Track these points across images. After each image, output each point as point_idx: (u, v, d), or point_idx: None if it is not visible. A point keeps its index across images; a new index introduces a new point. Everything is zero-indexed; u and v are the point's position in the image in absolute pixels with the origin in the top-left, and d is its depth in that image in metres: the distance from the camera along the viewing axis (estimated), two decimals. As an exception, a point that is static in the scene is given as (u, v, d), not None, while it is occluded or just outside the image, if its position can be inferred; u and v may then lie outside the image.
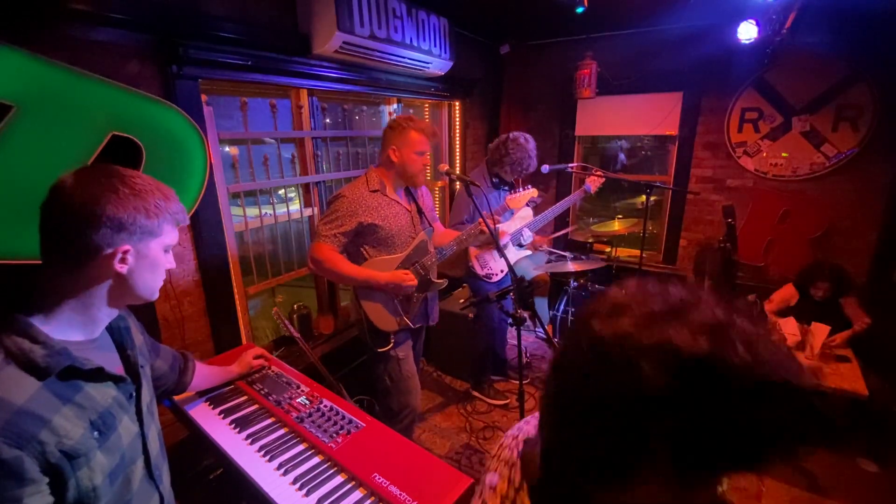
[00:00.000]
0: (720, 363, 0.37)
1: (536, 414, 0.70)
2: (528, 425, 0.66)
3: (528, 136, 2.70)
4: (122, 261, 0.79)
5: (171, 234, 0.86)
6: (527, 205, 2.50)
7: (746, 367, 0.37)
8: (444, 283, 2.06)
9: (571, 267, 2.92)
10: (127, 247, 0.78)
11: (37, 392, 0.71)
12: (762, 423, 0.37)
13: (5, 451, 0.65)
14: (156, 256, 0.84)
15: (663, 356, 0.38)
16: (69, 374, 0.76)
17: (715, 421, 0.37)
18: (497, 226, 2.12)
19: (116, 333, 0.92)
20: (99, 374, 0.81)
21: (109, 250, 0.77)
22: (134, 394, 0.90)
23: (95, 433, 0.77)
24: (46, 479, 0.70)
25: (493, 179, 2.76)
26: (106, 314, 0.85)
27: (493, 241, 1.89)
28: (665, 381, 0.37)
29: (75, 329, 0.81)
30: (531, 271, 3.11)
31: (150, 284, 0.86)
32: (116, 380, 0.85)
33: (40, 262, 0.79)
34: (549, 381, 0.50)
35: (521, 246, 2.91)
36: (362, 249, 1.91)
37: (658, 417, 0.38)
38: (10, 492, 0.66)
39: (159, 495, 0.97)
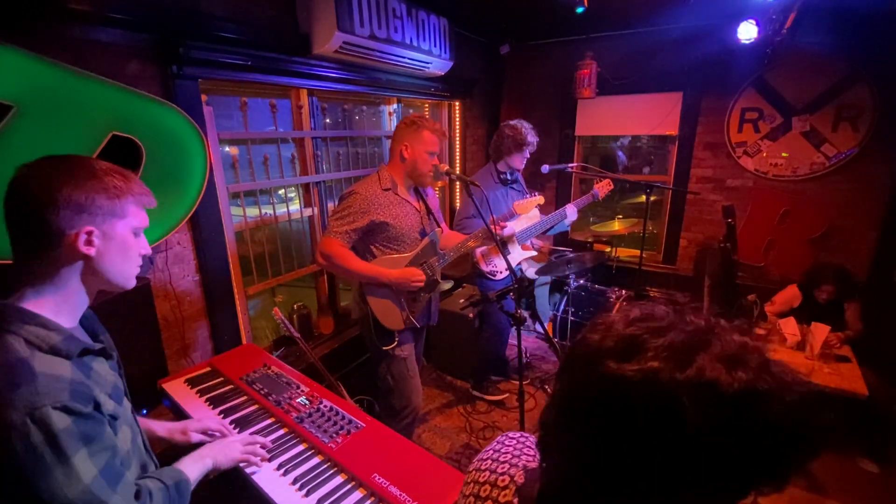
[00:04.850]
0: (756, 392, 0.38)
1: (516, 439, 0.68)
2: (512, 455, 0.65)
3: (519, 119, 2.70)
4: (88, 242, 0.80)
5: (138, 216, 0.87)
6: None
7: (774, 390, 0.38)
8: (449, 283, 2.07)
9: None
10: (90, 227, 0.79)
11: (72, 369, 0.77)
12: (792, 436, 0.39)
13: (86, 407, 0.75)
14: (124, 238, 0.85)
15: (702, 393, 0.37)
16: (82, 353, 0.81)
17: (754, 445, 0.38)
18: (503, 231, 2.13)
19: (86, 322, 0.94)
20: (103, 352, 0.87)
21: (72, 232, 0.78)
22: (122, 373, 0.96)
23: (116, 403, 0.85)
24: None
25: (501, 175, 2.75)
26: (82, 300, 0.86)
27: (496, 244, 1.90)
28: (706, 416, 0.37)
29: (61, 316, 0.82)
30: (533, 273, 3.11)
31: (123, 269, 0.87)
32: (109, 357, 0.91)
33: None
34: (555, 425, 0.47)
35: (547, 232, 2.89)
36: (371, 247, 1.92)
37: (699, 452, 0.38)
38: (106, 432, 0.78)
39: (154, 466, 1.03)
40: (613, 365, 0.41)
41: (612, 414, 0.41)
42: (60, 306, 0.82)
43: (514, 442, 0.68)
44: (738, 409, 0.37)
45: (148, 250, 0.91)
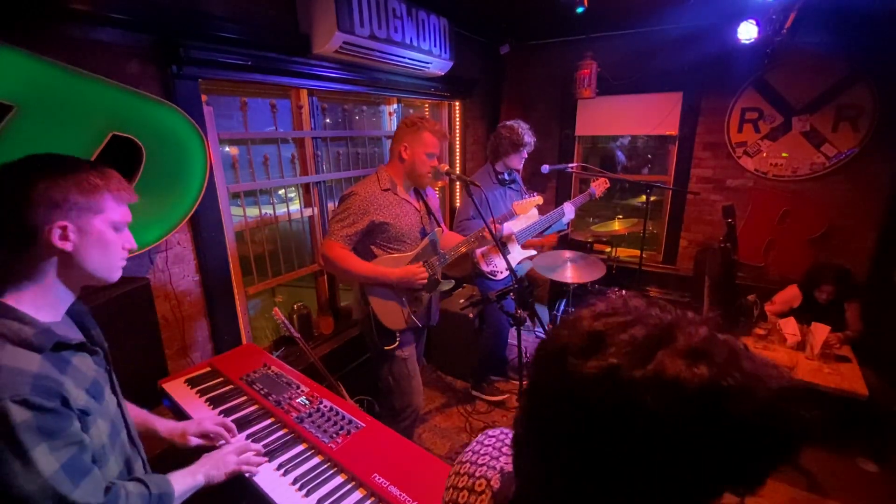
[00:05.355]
0: (720, 388, 0.36)
1: (496, 437, 0.67)
2: (491, 457, 0.64)
3: (516, 120, 2.70)
4: (63, 237, 0.80)
5: (117, 211, 0.87)
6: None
7: (743, 386, 0.37)
8: (450, 283, 2.06)
9: (570, 271, 2.92)
10: (64, 223, 0.80)
11: (41, 362, 0.77)
12: (764, 435, 0.37)
13: (49, 402, 0.74)
14: (102, 233, 0.85)
15: (662, 389, 0.36)
16: (57, 348, 0.81)
17: (721, 444, 0.36)
18: (501, 230, 2.12)
19: (77, 316, 0.95)
20: (83, 347, 0.87)
21: (47, 227, 0.79)
22: (109, 368, 0.96)
23: (91, 399, 0.84)
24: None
25: (499, 175, 2.76)
26: (65, 294, 0.87)
27: (496, 245, 1.90)
28: (667, 414, 0.36)
29: (42, 311, 0.83)
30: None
31: (103, 262, 0.87)
32: (93, 352, 0.91)
33: None
34: (523, 424, 0.46)
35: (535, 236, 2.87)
36: (372, 247, 1.92)
37: (663, 451, 0.36)
38: (71, 428, 0.77)
39: (142, 461, 1.03)
40: (574, 361, 0.40)
41: (573, 412, 0.39)
42: (40, 301, 0.83)
43: (494, 440, 0.67)
44: (701, 406, 0.36)
45: (133, 244, 0.92)
